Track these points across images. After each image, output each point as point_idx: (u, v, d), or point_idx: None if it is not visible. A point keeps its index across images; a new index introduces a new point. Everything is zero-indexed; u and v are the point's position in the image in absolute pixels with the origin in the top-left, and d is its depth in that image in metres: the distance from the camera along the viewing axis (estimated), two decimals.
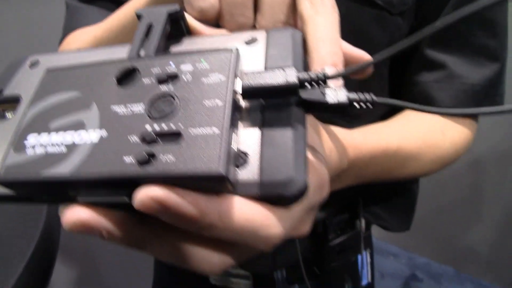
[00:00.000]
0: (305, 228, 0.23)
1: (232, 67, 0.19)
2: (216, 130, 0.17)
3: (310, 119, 0.27)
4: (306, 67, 0.23)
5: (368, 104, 0.20)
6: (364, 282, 0.56)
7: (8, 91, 0.23)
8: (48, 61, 0.24)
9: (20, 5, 1.05)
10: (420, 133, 0.44)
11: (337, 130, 0.32)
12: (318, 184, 0.22)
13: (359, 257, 0.54)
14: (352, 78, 0.25)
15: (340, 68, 0.22)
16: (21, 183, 0.18)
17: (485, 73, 0.45)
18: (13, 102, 0.23)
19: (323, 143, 0.26)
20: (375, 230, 0.58)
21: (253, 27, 0.26)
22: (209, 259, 0.19)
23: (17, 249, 0.43)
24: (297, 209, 0.20)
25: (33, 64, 0.24)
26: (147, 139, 0.17)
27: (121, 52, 0.23)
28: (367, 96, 0.20)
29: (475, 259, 1.40)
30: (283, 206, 0.19)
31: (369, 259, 0.56)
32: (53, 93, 0.20)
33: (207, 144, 0.16)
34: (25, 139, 0.19)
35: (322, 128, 0.28)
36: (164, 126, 0.17)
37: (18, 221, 0.49)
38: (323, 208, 0.48)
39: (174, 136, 0.17)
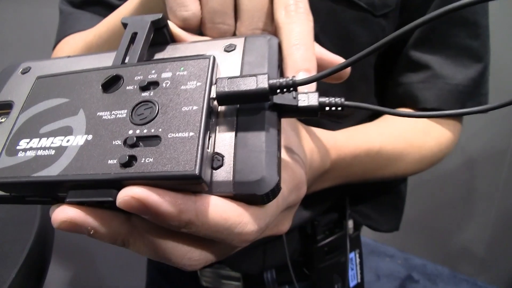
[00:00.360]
0: (284, 226, 0.24)
1: (209, 74, 0.20)
2: (192, 134, 0.18)
3: (290, 122, 0.28)
4: (282, 71, 0.24)
5: (338, 108, 0.21)
6: (354, 282, 0.56)
7: (1, 97, 0.25)
8: (39, 68, 0.26)
9: (17, 6, 1.06)
10: (404, 134, 0.45)
11: (319, 131, 0.33)
12: (294, 184, 0.23)
13: (349, 257, 0.55)
14: (327, 82, 0.26)
15: (312, 73, 0.23)
16: (12, 185, 0.19)
17: (469, 73, 0.46)
18: (6, 107, 0.24)
19: (303, 144, 0.27)
20: (371, 232, 0.59)
21: (234, 33, 0.27)
22: (189, 255, 0.20)
23: (11, 253, 0.44)
24: (272, 207, 0.21)
25: (25, 71, 0.26)
26: (129, 143, 0.18)
27: (109, 59, 0.24)
28: (337, 100, 0.21)
29: (470, 260, 1.41)
30: (258, 204, 0.20)
31: (358, 260, 0.57)
32: (43, 100, 0.22)
33: (183, 147, 0.18)
34: (17, 143, 0.20)
35: (303, 130, 0.29)
36: (145, 131, 0.19)
37: (11, 225, 0.50)
38: (310, 208, 0.49)
39: (153, 139, 0.18)
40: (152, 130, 0.19)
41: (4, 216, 0.51)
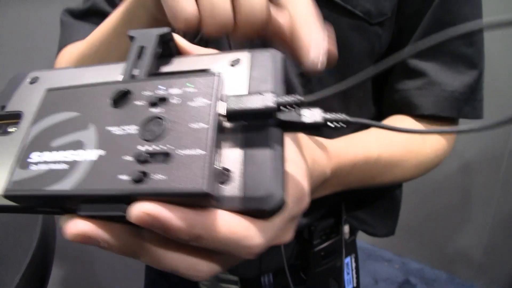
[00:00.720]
0: (288, 236, 0.25)
1: (216, 91, 0.20)
2: (201, 151, 0.18)
3: (292, 133, 0.29)
4: (291, 84, 0.24)
5: (342, 124, 0.22)
6: (350, 287, 0.58)
7: (10, 107, 0.25)
8: (47, 78, 0.26)
9: (19, 9, 1.07)
10: (402, 141, 0.46)
11: (320, 140, 0.34)
12: (298, 196, 0.24)
13: (344, 262, 0.56)
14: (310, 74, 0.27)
15: (321, 52, 0.24)
16: (26, 198, 0.20)
17: (465, 80, 0.47)
18: (15, 117, 0.24)
19: (305, 154, 0.28)
20: (368, 236, 0.60)
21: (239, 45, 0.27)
22: (197, 267, 0.21)
23: (14, 257, 0.44)
24: (277, 220, 0.22)
25: (33, 81, 0.26)
26: (140, 159, 0.19)
27: (116, 71, 0.25)
28: (341, 116, 0.22)
29: (467, 264, 1.42)
30: (264, 218, 0.21)
31: (354, 264, 0.58)
32: (53, 113, 0.22)
33: (193, 163, 0.18)
34: (29, 156, 0.21)
35: (303, 139, 0.30)
36: (155, 147, 0.19)
37: (14, 230, 0.51)
38: (308, 214, 0.50)
39: (164, 156, 0.19)
40: (162, 147, 0.19)
41: (6, 221, 0.52)
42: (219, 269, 0.22)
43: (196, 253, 0.21)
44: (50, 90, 0.23)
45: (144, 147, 0.19)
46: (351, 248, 0.57)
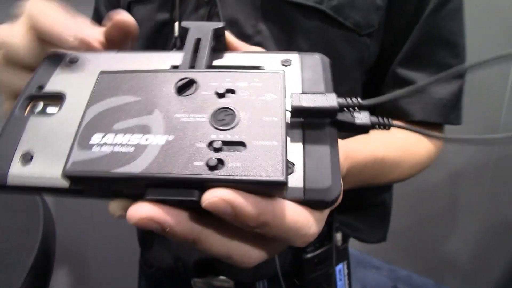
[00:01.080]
0: (321, 228, 0.27)
1: (283, 87, 0.22)
2: (275, 143, 0.19)
3: None
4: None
5: (385, 128, 0.24)
6: None
7: (50, 87, 0.24)
8: (87, 59, 0.25)
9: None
10: (400, 143, 0.48)
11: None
12: None
13: (337, 268, 0.58)
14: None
15: None
16: (89, 179, 0.19)
17: (451, 88, 0.50)
18: (57, 98, 0.24)
19: None
20: (357, 244, 0.62)
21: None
22: (249, 253, 0.22)
23: (18, 259, 0.46)
24: (327, 212, 0.23)
25: (72, 61, 0.25)
26: (215, 146, 0.19)
27: (165, 59, 0.25)
28: (386, 121, 0.24)
29: (454, 271, 1.44)
30: (319, 209, 0.22)
31: (346, 271, 0.60)
32: (111, 96, 0.22)
33: (269, 154, 0.19)
34: (90, 137, 0.20)
35: None
36: (230, 136, 0.19)
37: (16, 233, 0.52)
38: None
39: (238, 145, 0.19)
40: (236, 136, 0.19)
41: (8, 224, 0.53)
42: (266, 257, 0.23)
43: (250, 241, 0.22)
44: (103, 73, 0.23)
45: (218, 136, 0.20)
46: (343, 255, 0.59)
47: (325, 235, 0.57)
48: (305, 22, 0.46)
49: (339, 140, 0.38)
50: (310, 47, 0.45)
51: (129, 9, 0.53)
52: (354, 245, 0.76)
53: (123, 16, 0.26)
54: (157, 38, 0.50)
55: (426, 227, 1.45)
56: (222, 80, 0.22)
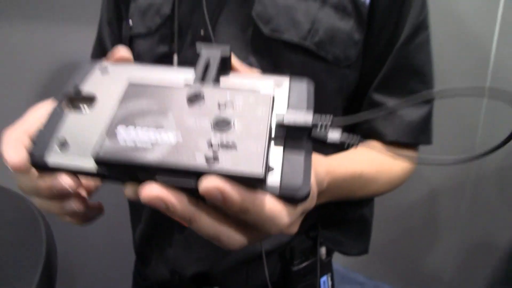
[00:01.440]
0: (295, 228, 0.31)
1: (271, 106, 0.27)
2: (260, 148, 0.25)
3: None
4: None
5: (355, 144, 0.29)
6: None
7: (85, 89, 0.30)
8: (116, 69, 0.32)
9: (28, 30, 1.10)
10: (377, 160, 0.54)
11: (319, 158, 0.41)
12: (311, 195, 0.30)
13: (321, 280, 0.62)
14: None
15: None
16: (115, 164, 0.24)
17: (420, 112, 0.56)
18: (90, 100, 0.30)
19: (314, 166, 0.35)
20: (342, 259, 0.66)
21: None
22: (234, 237, 0.27)
23: (24, 274, 0.48)
24: (299, 209, 0.28)
25: (103, 70, 0.32)
26: (213, 145, 0.24)
27: (180, 75, 0.31)
28: (355, 138, 0.28)
29: (436, 286, 1.49)
30: (292, 204, 0.27)
31: (330, 282, 0.64)
32: (136, 102, 0.27)
33: (254, 156, 0.24)
34: (117, 132, 0.25)
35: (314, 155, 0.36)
36: (225, 139, 0.25)
37: (20, 248, 0.54)
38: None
39: (231, 147, 0.24)
40: (230, 140, 0.25)
41: (11, 240, 0.55)
42: (247, 243, 0.28)
43: (235, 227, 0.27)
44: (132, 84, 0.29)
45: (216, 138, 0.25)
46: (328, 268, 0.63)
47: (310, 249, 0.61)
48: (290, 57, 0.51)
49: (322, 157, 0.44)
50: None
51: (131, 42, 0.58)
52: (338, 260, 0.80)
53: (123, 54, 0.33)
54: None
55: (408, 243, 1.49)
56: (224, 97, 0.27)
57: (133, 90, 0.28)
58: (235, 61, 0.33)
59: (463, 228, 1.41)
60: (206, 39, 0.52)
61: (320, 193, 0.39)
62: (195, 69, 0.31)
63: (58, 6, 1.09)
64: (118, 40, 0.63)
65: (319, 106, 0.50)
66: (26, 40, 1.09)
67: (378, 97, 0.56)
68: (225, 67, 0.32)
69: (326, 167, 0.40)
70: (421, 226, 1.47)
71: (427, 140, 0.58)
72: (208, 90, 0.28)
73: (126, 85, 0.29)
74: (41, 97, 0.90)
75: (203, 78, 0.30)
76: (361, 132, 0.58)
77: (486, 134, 1.29)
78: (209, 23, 0.51)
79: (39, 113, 0.32)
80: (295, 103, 0.30)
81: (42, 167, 0.27)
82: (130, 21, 0.58)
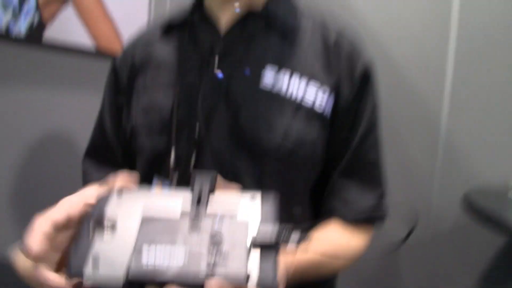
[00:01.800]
0: None
1: (248, 230, 0.37)
2: (242, 261, 0.35)
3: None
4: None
5: (306, 240, 0.38)
6: None
7: (110, 218, 0.38)
8: (130, 196, 0.40)
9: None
10: (336, 240, 0.64)
11: (285, 254, 0.47)
12: (281, 283, 0.39)
13: None
14: None
15: None
16: (142, 282, 0.34)
17: (373, 196, 0.67)
18: (113, 226, 0.37)
19: (282, 261, 0.44)
20: None
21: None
22: None
23: None
24: None
25: (119, 195, 0.40)
26: (210, 264, 0.34)
27: (179, 199, 0.40)
28: (306, 236, 0.37)
29: None
30: None
31: None
32: (151, 232, 0.36)
33: (239, 263, 0.34)
34: (141, 256, 0.34)
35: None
36: (219, 250, 0.35)
37: None
38: None
39: (224, 255, 0.34)
40: (223, 250, 0.35)
41: None
42: None
43: None
44: (145, 220, 0.38)
45: (212, 256, 0.35)
46: None
47: None
48: (266, 166, 0.62)
49: (289, 254, 0.54)
50: (271, 180, 0.62)
51: (131, 135, 0.68)
52: None
53: (125, 183, 0.43)
54: (156, 161, 0.65)
55: None
56: (214, 220, 0.38)
57: (148, 225, 0.37)
58: (219, 181, 0.42)
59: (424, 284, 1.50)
60: (199, 141, 0.62)
61: (288, 278, 0.50)
62: (191, 190, 0.40)
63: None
64: (118, 125, 0.72)
65: (290, 204, 0.63)
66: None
67: (340, 180, 0.67)
68: (212, 189, 0.42)
69: (291, 260, 0.52)
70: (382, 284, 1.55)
71: (382, 218, 0.68)
72: (203, 218, 0.38)
73: (140, 217, 0.38)
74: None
75: (198, 203, 0.40)
76: (324, 213, 0.68)
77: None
78: (203, 124, 0.61)
79: (67, 205, 0.40)
80: (265, 214, 0.39)
81: (78, 277, 0.34)
82: (134, 119, 0.67)
